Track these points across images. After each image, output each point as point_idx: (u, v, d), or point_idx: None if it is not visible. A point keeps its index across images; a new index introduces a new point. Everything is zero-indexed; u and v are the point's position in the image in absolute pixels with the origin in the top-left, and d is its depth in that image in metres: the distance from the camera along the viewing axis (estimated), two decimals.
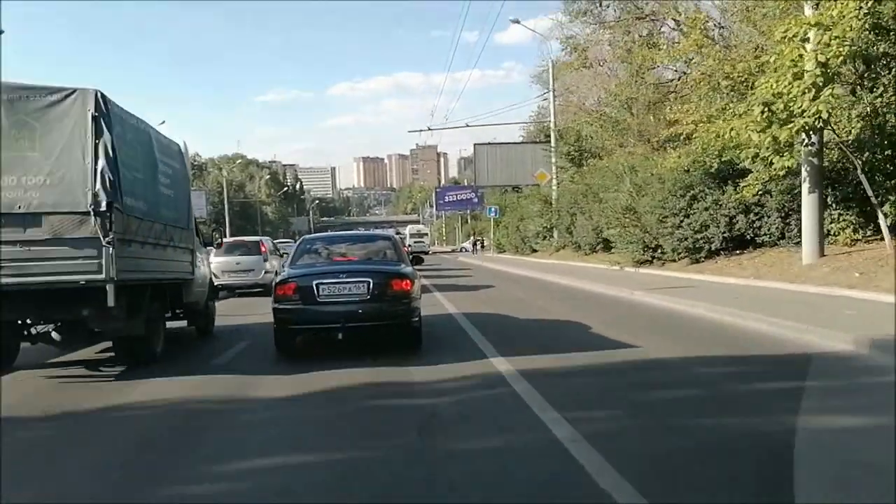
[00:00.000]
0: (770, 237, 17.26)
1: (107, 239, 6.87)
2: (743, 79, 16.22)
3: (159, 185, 8.68)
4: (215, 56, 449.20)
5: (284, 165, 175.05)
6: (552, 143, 36.75)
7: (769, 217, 17.21)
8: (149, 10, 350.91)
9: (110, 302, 6.87)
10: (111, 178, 6.91)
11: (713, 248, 18.29)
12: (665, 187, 19.52)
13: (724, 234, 17.90)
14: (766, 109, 13.14)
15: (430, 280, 21.57)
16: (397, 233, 37.66)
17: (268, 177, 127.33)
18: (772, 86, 13.37)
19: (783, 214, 16.92)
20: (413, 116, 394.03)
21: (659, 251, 20.47)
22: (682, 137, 23.95)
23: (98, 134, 6.93)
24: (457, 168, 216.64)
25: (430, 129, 39.59)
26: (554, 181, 35.90)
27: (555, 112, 37.27)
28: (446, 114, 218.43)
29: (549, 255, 34.85)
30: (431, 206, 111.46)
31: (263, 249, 19.09)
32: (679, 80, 24.16)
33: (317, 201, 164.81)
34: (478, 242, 63.84)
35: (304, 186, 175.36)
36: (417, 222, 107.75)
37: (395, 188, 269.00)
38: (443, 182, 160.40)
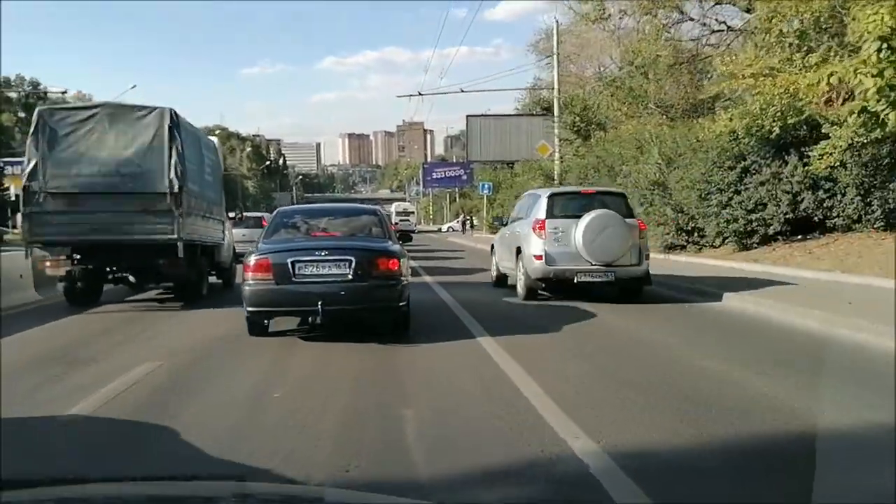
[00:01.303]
0: (844, 219, 13.95)
1: (178, 211, 10.14)
2: (826, 16, 12.77)
3: (205, 174, 11.98)
4: (200, 28, 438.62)
5: (268, 140, 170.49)
6: (555, 113, 33.11)
7: (844, 195, 13.88)
8: None
9: (179, 254, 10.25)
10: (180, 169, 10.19)
11: (770, 232, 14.92)
12: (708, 157, 16.09)
13: (787, 215, 14.52)
14: (885, 47, 9.71)
15: (418, 262, 18.63)
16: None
17: (250, 150, 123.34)
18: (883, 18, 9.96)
19: (862, 192, 13.58)
20: (400, 93, 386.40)
21: (696, 234, 17.11)
22: (718, 101, 20.70)
23: (172, 139, 10.21)
24: (443, 146, 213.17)
25: (420, 95, 35.58)
26: (556, 154, 32.32)
27: (558, 77, 33.54)
28: (435, 90, 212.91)
29: None
30: (418, 184, 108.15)
31: (265, 224, 19.07)
32: (722, 31, 20.60)
33: (300, 177, 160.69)
34: (467, 221, 60.32)
35: (289, 162, 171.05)
36: (403, 200, 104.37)
37: (381, 165, 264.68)
38: (429, 159, 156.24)
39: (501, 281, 12.62)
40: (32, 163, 10.11)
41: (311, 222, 8.89)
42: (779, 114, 14.01)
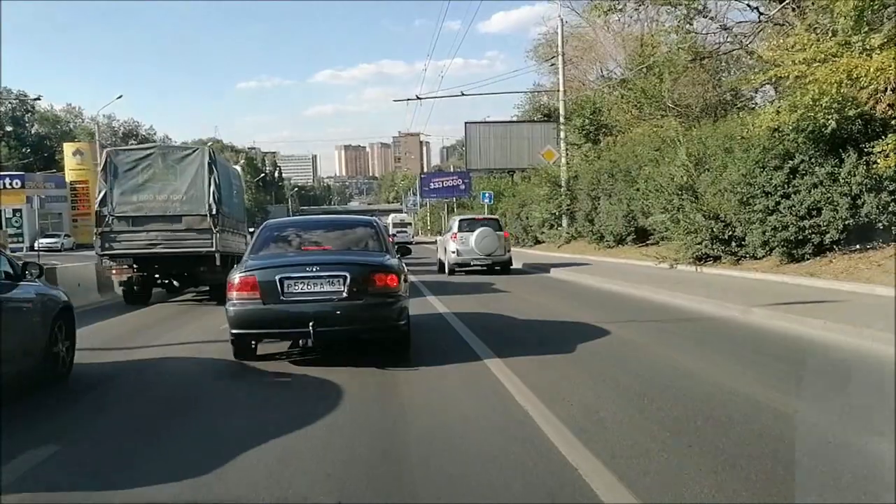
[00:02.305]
0: None
1: (216, 229, 12.97)
2: None
3: (233, 198, 15.18)
4: (196, 43, 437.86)
5: (264, 153, 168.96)
6: (561, 117, 31.25)
7: None
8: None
9: (217, 263, 12.90)
10: (217, 196, 13.13)
11: (826, 241, 12.94)
12: (749, 157, 14.12)
13: (846, 221, 12.55)
14: None
15: (417, 277, 17.05)
16: None
17: (244, 162, 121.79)
18: None
19: None
20: (396, 106, 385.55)
21: (734, 243, 15.13)
22: (738, 100, 18.88)
23: (210, 172, 13.14)
24: (440, 157, 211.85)
25: (419, 98, 33.60)
26: (563, 159, 30.43)
27: (564, 77, 31.66)
28: (431, 102, 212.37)
29: (558, 248, 29.49)
30: (415, 195, 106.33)
31: None
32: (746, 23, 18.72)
33: (296, 189, 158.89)
34: None
35: (285, 175, 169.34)
36: (400, 211, 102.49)
37: (378, 177, 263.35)
38: (426, 170, 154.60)
39: (441, 266, 20.12)
40: (102, 193, 13.16)
41: (303, 236, 8.19)
42: (835, 105, 12.10)
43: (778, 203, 13.45)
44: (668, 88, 24.76)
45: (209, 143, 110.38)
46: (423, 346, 7.71)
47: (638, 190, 20.66)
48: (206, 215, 12.94)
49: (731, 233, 15.14)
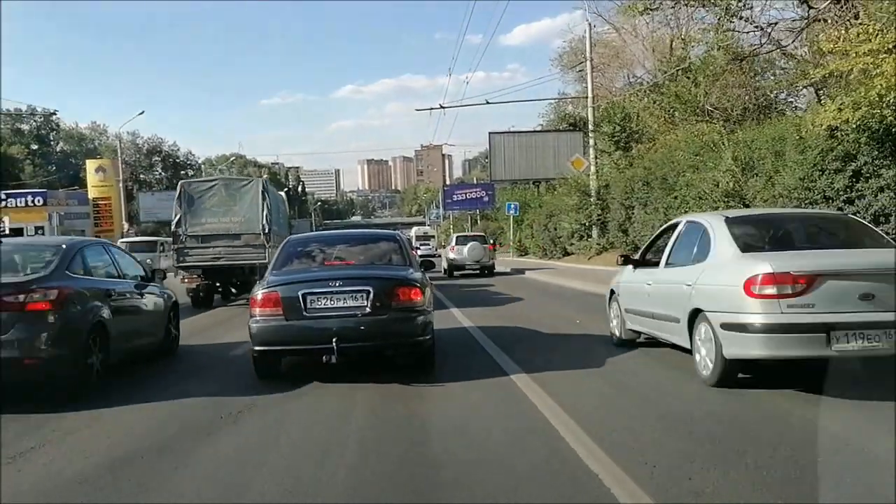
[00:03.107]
0: None
1: (268, 245, 15.10)
2: None
3: (279, 218, 18.18)
4: (219, 61, 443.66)
5: (287, 168, 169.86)
6: (590, 123, 30.12)
7: None
8: (156, 14, 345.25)
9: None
10: (268, 218, 15.80)
11: None
12: (807, 159, 12.92)
13: None
14: None
15: (442, 293, 16.55)
16: None
17: (266, 177, 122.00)
18: None
19: None
20: (417, 119, 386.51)
21: None
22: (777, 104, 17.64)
23: (263, 199, 15.89)
24: (462, 170, 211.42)
25: (442, 108, 32.71)
26: (593, 168, 29.25)
27: (592, 83, 30.56)
28: (453, 115, 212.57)
29: (588, 260, 28.27)
30: (437, 208, 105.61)
31: None
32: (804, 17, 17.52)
33: (319, 203, 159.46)
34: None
35: (308, 189, 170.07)
36: (423, 224, 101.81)
37: (400, 190, 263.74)
38: (448, 183, 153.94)
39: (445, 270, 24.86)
40: (178, 216, 15.74)
41: (325, 250, 8.15)
42: None
43: (840, 210, 12.22)
44: (705, 92, 23.59)
45: (232, 159, 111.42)
46: (447, 360, 7.68)
47: (676, 198, 19.48)
48: (259, 233, 15.55)
49: None
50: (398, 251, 7.96)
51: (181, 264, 15.75)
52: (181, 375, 7.74)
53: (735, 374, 6.09)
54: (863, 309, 5.52)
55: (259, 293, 6.82)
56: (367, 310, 6.57)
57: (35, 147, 77.63)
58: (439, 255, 51.34)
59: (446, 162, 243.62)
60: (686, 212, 18.53)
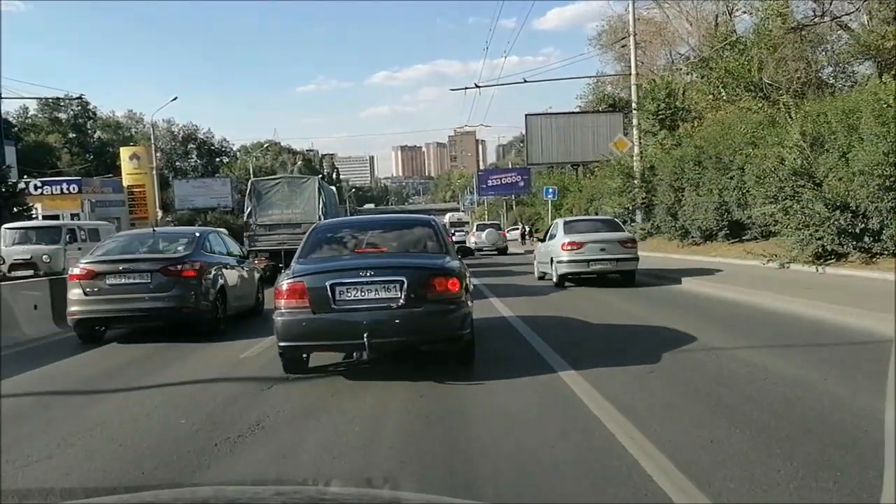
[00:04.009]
0: None
1: None
2: None
3: (331, 208, 20.06)
4: (257, 49, 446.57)
5: (322, 155, 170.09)
6: (633, 101, 28.61)
7: None
8: (192, 5, 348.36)
9: None
10: (323, 209, 18.39)
11: None
12: (891, 132, 11.51)
13: None
14: None
15: (480, 280, 15.64)
16: None
17: (301, 163, 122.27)
18: None
19: None
20: (451, 105, 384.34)
21: (869, 238, 12.51)
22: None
23: (319, 194, 18.79)
24: (496, 155, 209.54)
25: (477, 87, 31.40)
26: (637, 149, 27.77)
27: (636, 58, 28.98)
28: (488, 99, 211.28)
29: None
30: (471, 193, 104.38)
31: None
32: None
33: (354, 189, 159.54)
34: (526, 231, 55.64)
35: (343, 176, 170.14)
36: (457, 210, 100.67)
37: (434, 176, 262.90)
38: (482, 168, 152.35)
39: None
40: (249, 209, 18.84)
41: (356, 237, 7.53)
42: None
43: None
44: (759, 65, 22.04)
45: (266, 145, 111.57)
46: (487, 355, 7.01)
47: (732, 178, 18.08)
48: (316, 223, 20.69)
49: (863, 225, 12.52)
50: (434, 237, 7.32)
51: (252, 248, 17.51)
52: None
53: (563, 281, 14.76)
54: (602, 255, 14.19)
55: (284, 283, 6.22)
56: (401, 302, 5.99)
57: (73, 136, 78.29)
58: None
59: (480, 147, 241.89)
60: (745, 193, 17.23)
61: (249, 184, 20.07)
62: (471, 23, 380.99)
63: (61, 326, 10.18)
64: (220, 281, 9.81)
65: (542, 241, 16.72)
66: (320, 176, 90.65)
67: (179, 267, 9.30)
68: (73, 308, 9.23)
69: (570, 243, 14.28)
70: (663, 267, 16.96)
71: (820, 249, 13.52)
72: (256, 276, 11.94)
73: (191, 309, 9.18)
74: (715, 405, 4.88)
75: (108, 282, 9.15)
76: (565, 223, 15.72)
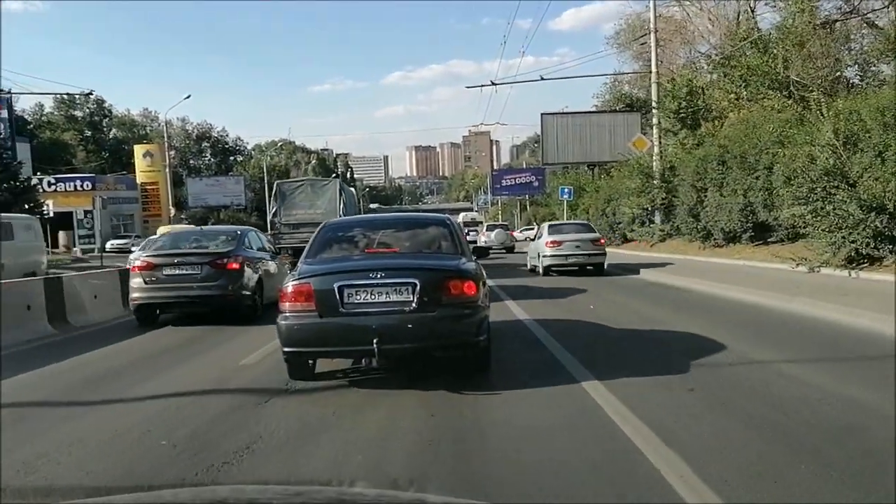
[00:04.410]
0: None
1: None
2: None
3: (351, 208, 21.19)
4: (272, 48, 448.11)
5: (337, 154, 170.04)
6: (653, 100, 27.92)
7: None
8: (209, 5, 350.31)
9: None
10: (344, 210, 19.15)
11: None
12: None
13: None
14: None
15: (494, 281, 14.72)
16: None
17: (315, 163, 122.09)
18: None
19: None
20: (466, 105, 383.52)
21: None
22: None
23: (340, 195, 19.72)
24: (509, 155, 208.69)
25: (493, 84, 30.77)
26: (656, 148, 27.09)
27: (656, 55, 28.30)
28: (503, 100, 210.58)
29: (651, 247, 26.25)
30: (485, 193, 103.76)
31: None
32: None
33: (367, 189, 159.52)
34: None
35: (357, 175, 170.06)
36: (471, 209, 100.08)
37: (448, 176, 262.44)
38: (496, 168, 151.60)
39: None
40: (274, 209, 19.93)
41: (367, 236, 7.14)
42: None
43: None
44: (786, 61, 21.32)
45: (280, 144, 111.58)
46: (504, 362, 6.60)
47: (758, 178, 17.40)
48: None
49: None
50: (449, 237, 6.92)
51: (279, 246, 17.91)
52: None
53: (547, 271, 17.85)
54: (577, 251, 17.57)
55: (289, 285, 5.84)
56: (413, 306, 5.61)
57: (88, 133, 78.46)
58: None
59: (494, 147, 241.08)
60: (772, 193, 16.58)
61: (275, 185, 21.04)
62: (485, 23, 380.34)
63: (56, 327, 10.30)
64: (259, 273, 11.30)
65: (532, 240, 20.76)
66: (334, 175, 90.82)
67: (225, 260, 10.74)
68: (134, 295, 10.82)
69: (552, 242, 17.82)
70: (681, 268, 16.33)
71: (853, 253, 12.85)
72: (287, 270, 13.19)
73: (233, 297, 10.60)
74: (771, 433, 4.28)
75: (164, 272, 10.70)
76: (549, 226, 19.59)
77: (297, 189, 20.21)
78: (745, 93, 24.79)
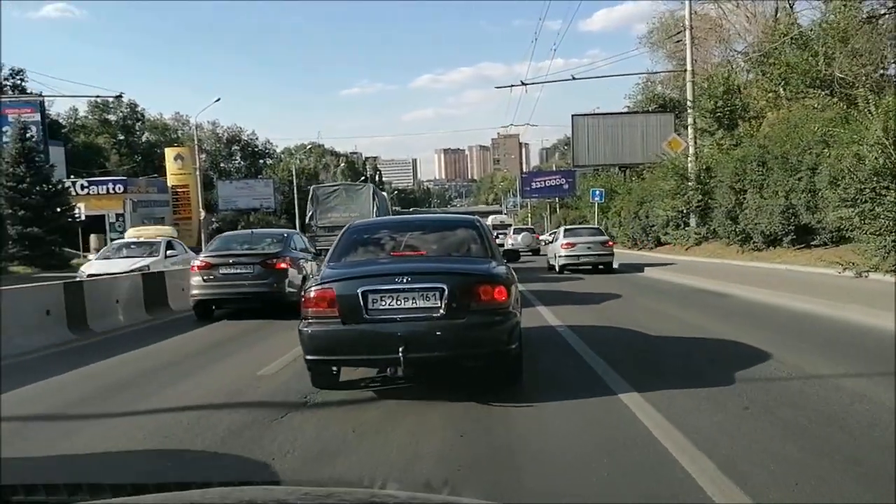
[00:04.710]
0: None
1: None
2: None
3: (384, 211, 22.05)
4: (303, 53, 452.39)
5: (366, 157, 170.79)
6: (689, 99, 27.20)
7: None
8: (237, 6, 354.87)
9: None
10: (377, 213, 19.77)
11: None
12: None
13: None
14: None
15: (525, 286, 14.20)
16: None
17: (344, 165, 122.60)
18: None
19: None
20: (495, 107, 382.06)
21: None
22: None
23: (373, 199, 20.69)
24: (539, 158, 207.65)
25: (523, 84, 30.25)
26: (691, 149, 26.37)
27: (692, 54, 27.58)
28: (532, 102, 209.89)
29: (685, 250, 25.55)
30: (514, 196, 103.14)
31: None
32: None
33: (396, 192, 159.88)
34: None
35: (385, 178, 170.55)
36: (500, 212, 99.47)
37: (476, 179, 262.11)
38: (525, 171, 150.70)
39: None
40: (311, 212, 20.59)
41: (392, 238, 6.82)
42: None
43: None
44: (827, 58, 20.56)
45: (310, 147, 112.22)
46: (536, 373, 6.21)
47: (801, 179, 16.70)
48: None
49: None
50: (478, 239, 6.59)
51: (315, 249, 20.01)
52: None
53: (563, 269, 20.33)
54: (588, 252, 20.14)
55: (311, 290, 5.55)
56: (441, 312, 5.29)
57: (121, 137, 79.55)
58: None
59: (523, 150, 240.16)
60: (815, 195, 15.91)
61: (311, 190, 22.23)
62: (515, 25, 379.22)
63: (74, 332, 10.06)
64: (304, 272, 12.24)
65: (550, 242, 24.41)
66: (363, 178, 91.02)
67: (274, 261, 11.87)
68: (194, 291, 11.88)
69: (566, 244, 20.58)
70: (719, 273, 15.71)
71: None
72: None
73: (280, 293, 11.56)
74: (844, 462, 3.78)
75: (220, 271, 11.82)
76: (564, 230, 22.41)
77: (332, 193, 21.16)
78: (783, 92, 24.06)
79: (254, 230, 18.31)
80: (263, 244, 12.96)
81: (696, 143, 26.48)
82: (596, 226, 26.47)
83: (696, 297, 13.25)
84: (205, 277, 11.74)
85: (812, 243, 17.40)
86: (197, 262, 12.18)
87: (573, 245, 20.33)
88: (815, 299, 10.79)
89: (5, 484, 2.67)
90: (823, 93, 21.20)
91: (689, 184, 25.34)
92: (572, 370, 6.53)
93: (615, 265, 20.82)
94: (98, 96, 58.72)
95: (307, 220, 21.16)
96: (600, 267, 20.29)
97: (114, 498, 1.81)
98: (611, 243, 21.23)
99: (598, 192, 38.43)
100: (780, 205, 17.60)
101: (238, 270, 11.81)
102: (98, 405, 5.82)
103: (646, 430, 4.44)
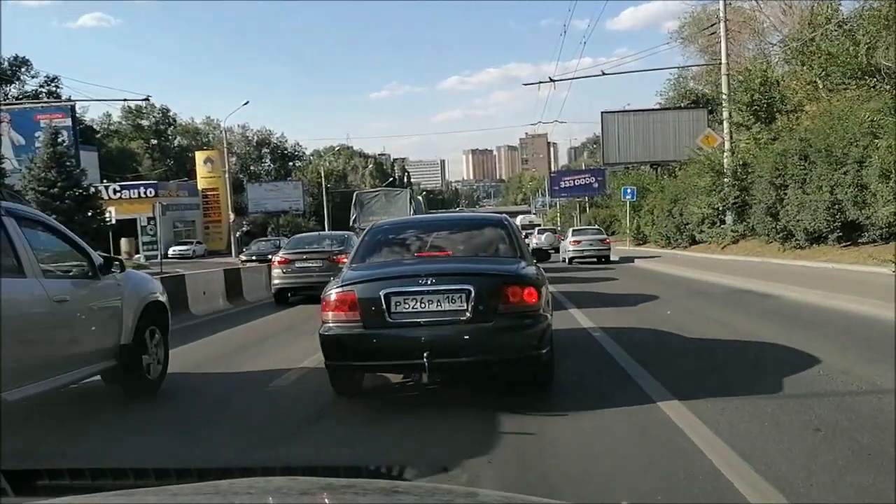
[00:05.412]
0: None
1: None
2: None
3: (420, 213, 23.09)
4: (333, 56, 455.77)
5: (394, 159, 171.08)
6: (723, 93, 26.36)
7: None
8: (268, 10, 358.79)
9: None
10: (414, 214, 20.53)
11: None
12: None
13: None
14: None
15: (556, 287, 14.01)
16: None
17: (372, 167, 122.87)
18: None
19: None
20: (522, 108, 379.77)
21: None
22: None
23: (411, 203, 23.57)
24: (567, 157, 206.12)
25: (552, 81, 29.56)
26: (727, 144, 25.54)
27: (726, 46, 26.74)
28: (560, 102, 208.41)
29: (721, 249, 24.73)
30: (543, 195, 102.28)
31: None
32: None
33: (424, 192, 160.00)
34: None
35: (414, 179, 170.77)
36: (528, 212, 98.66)
37: (504, 179, 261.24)
38: (554, 170, 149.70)
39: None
40: (354, 216, 22.62)
41: (417, 238, 6.62)
42: None
43: None
44: (868, 48, 19.70)
45: (338, 149, 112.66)
46: (568, 380, 5.93)
47: (847, 173, 15.89)
48: None
49: None
50: (506, 239, 6.35)
51: None
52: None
53: (571, 262, 26.26)
54: (590, 247, 26.84)
55: (332, 293, 5.30)
56: (468, 315, 5.05)
57: (154, 142, 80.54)
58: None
59: (551, 149, 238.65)
60: (863, 189, 15.15)
61: (354, 195, 24.67)
62: (543, 25, 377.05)
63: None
64: None
65: (562, 241, 29.16)
66: (391, 179, 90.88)
67: (338, 256, 13.70)
68: (275, 281, 14.67)
69: (574, 241, 26.70)
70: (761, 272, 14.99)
71: None
72: None
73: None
74: None
75: (296, 265, 14.54)
76: (572, 231, 29.41)
77: (373, 198, 23.69)
78: (821, 84, 23.15)
79: (320, 232, 22.66)
80: (327, 243, 15.85)
81: (731, 137, 25.65)
82: (597, 227, 34.13)
83: (736, 298, 12.60)
84: (284, 270, 14.57)
85: (860, 241, 16.56)
86: (277, 258, 15.10)
87: (579, 242, 26.60)
88: (876, 301, 10.05)
89: (31, 469, 2.68)
90: (867, 83, 20.31)
91: (726, 180, 24.55)
92: (606, 375, 6.17)
93: (614, 257, 26.71)
94: (126, 100, 59.19)
95: (351, 223, 22.90)
96: (602, 260, 26.14)
97: (138, 482, 1.73)
98: (608, 241, 27.90)
99: (630, 190, 37.71)
100: (825, 200, 16.78)
101: (309, 264, 14.41)
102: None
103: (681, 435, 4.12)
